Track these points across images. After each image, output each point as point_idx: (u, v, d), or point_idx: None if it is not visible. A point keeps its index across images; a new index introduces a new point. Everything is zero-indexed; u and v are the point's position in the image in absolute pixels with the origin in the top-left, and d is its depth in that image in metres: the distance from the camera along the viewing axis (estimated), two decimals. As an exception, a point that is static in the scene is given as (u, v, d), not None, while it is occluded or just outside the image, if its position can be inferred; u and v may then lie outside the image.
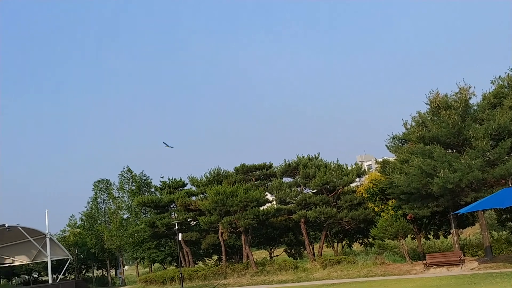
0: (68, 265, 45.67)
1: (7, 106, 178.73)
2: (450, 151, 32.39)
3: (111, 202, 66.45)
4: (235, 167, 51.57)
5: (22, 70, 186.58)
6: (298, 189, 44.82)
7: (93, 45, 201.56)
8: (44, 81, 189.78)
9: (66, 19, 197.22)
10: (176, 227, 44.74)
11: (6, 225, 35.17)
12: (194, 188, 52.72)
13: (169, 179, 55.04)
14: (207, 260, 58.51)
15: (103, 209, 67.15)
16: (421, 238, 40.49)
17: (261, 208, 44.46)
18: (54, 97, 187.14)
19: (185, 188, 54.45)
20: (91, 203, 66.90)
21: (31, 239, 37.87)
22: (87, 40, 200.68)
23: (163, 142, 55.38)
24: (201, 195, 50.43)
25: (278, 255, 54.25)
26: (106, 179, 67.16)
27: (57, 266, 57.74)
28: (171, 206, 53.12)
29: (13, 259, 42.63)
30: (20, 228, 36.68)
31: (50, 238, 38.86)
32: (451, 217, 34.52)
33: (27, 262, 44.28)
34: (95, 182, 66.88)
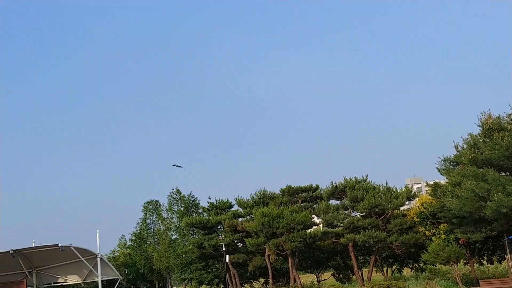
0: (117, 285, 46.40)
1: (61, 126, 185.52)
2: (504, 174, 31.46)
3: (160, 223, 67.32)
4: (281, 189, 51.53)
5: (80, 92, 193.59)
6: (346, 212, 44.30)
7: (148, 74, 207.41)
8: (92, 105, 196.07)
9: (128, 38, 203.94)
10: (224, 249, 44.89)
11: (59, 245, 36.09)
12: (240, 209, 52.94)
13: (216, 200, 55.53)
14: (254, 283, 58.25)
15: (152, 230, 68.09)
16: (474, 263, 39.25)
17: (308, 230, 44.12)
18: (105, 118, 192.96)
19: (232, 209, 54.74)
20: (141, 224, 67.96)
21: (83, 259, 38.67)
22: (134, 61, 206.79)
23: (174, 165, 55.94)
24: (248, 217, 50.53)
25: (326, 279, 53.41)
26: (156, 200, 68.30)
27: (107, 286, 58.70)
28: (219, 227, 53.42)
29: (65, 278, 43.60)
30: (72, 248, 37.55)
31: (101, 258, 39.62)
32: (506, 241, 33.36)
33: (79, 282, 45.20)
34: (144, 203, 68.10)
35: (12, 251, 36.35)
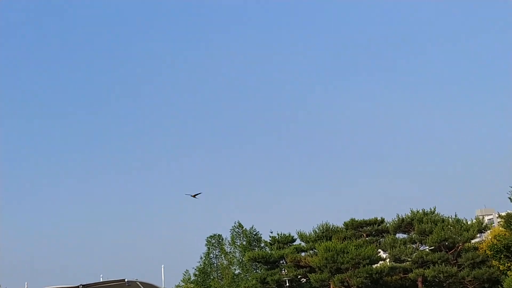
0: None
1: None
2: None
3: (223, 257, 67.43)
4: (345, 222, 50.73)
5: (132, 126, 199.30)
6: (414, 246, 42.96)
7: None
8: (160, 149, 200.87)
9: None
10: (287, 284, 44.26)
11: (126, 280, 36.74)
12: (303, 243, 52.30)
13: (278, 234, 55.16)
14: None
15: (215, 264, 68.24)
16: (557, 301, 36.72)
17: (374, 266, 42.94)
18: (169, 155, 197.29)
19: (294, 243, 54.20)
20: (204, 258, 68.32)
21: (148, 294, 39.14)
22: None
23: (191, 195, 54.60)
24: (311, 251, 49.82)
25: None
26: (218, 234, 68.61)
27: (172, 320, 59.02)
28: (281, 261, 52.86)
29: (131, 312, 44.21)
30: (138, 283, 38.13)
31: (166, 293, 39.96)
32: None
33: (144, 316, 45.71)
34: (207, 237, 68.53)
35: (81, 286, 37.33)
